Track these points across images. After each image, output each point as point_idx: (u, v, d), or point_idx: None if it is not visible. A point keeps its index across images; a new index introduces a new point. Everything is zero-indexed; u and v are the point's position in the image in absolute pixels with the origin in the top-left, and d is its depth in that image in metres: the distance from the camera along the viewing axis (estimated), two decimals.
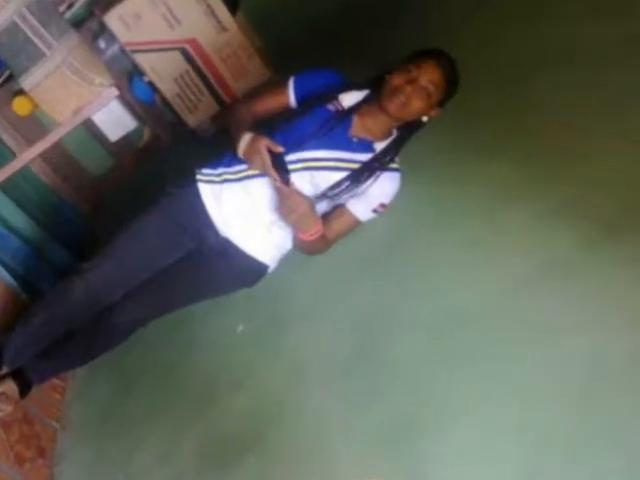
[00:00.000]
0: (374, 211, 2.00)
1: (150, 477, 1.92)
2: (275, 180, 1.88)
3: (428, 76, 1.87)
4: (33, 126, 2.49)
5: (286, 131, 1.98)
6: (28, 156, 2.39)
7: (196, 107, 2.46)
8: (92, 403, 2.26)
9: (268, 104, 2.09)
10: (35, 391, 2.07)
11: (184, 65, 2.37)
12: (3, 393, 1.99)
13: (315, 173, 1.94)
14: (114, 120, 2.48)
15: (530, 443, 1.41)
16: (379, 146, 1.98)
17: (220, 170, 2.01)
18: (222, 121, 2.44)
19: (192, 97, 2.44)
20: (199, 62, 2.37)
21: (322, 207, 2.01)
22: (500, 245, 1.78)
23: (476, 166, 1.97)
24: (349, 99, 2.00)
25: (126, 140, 2.72)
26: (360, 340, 1.85)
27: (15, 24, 2.14)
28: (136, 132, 2.66)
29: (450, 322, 1.71)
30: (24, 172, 2.67)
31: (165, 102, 2.47)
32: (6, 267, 2.39)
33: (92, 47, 2.38)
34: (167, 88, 2.42)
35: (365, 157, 1.96)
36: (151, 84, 2.42)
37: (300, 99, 2.05)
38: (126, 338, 2.07)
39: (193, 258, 2.03)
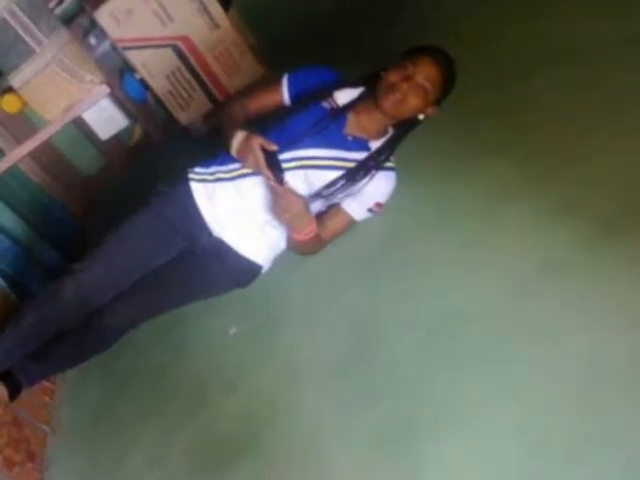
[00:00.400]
0: (369, 210, 1.97)
1: None
2: (269, 179, 1.85)
3: (425, 73, 1.85)
4: (22, 124, 2.46)
5: (280, 129, 1.96)
6: (17, 155, 2.37)
7: (188, 105, 2.44)
8: (82, 406, 2.23)
9: (262, 102, 2.07)
10: (24, 394, 2.04)
11: (176, 62, 2.34)
12: None
13: (309, 172, 1.92)
14: (105, 118, 2.45)
15: (530, 443, 1.40)
16: (374, 144, 1.96)
17: (213, 169, 1.98)
18: (215, 119, 2.41)
19: (184, 95, 2.42)
20: (191, 59, 2.34)
21: (317, 206, 1.99)
22: (500, 245, 1.77)
23: (475, 165, 1.96)
24: (344, 97, 1.98)
25: (117, 139, 2.69)
26: (356, 340, 1.83)
27: (4, 21, 2.12)
28: (127, 130, 2.64)
29: (449, 322, 1.69)
30: (13, 171, 2.63)
31: (157, 100, 2.45)
32: None
33: (82, 44, 2.35)
34: (159, 85, 2.39)
35: (360, 156, 1.93)
36: (142, 81, 2.40)
37: (294, 97, 2.03)
38: (117, 340, 2.04)
39: (185, 258, 2.01)
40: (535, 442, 1.39)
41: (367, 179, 1.93)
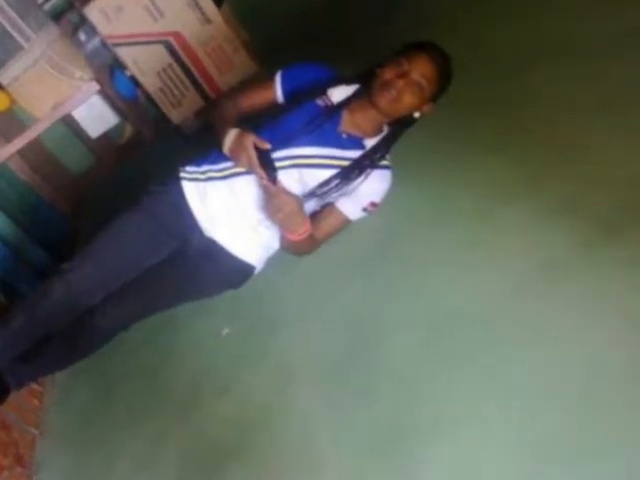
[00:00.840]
0: (364, 210, 1.95)
1: None
2: (262, 178, 1.83)
3: (420, 70, 1.82)
4: (11, 122, 2.43)
5: (273, 127, 1.93)
6: (5, 153, 2.34)
7: (180, 102, 2.41)
8: (72, 409, 2.20)
9: (254, 99, 2.04)
10: (13, 397, 2.01)
11: (167, 59, 2.32)
12: None
13: (303, 171, 1.89)
14: (95, 116, 2.42)
15: (530, 443, 1.38)
16: (369, 143, 1.93)
17: (205, 168, 1.95)
18: (207, 117, 2.39)
19: (176, 92, 2.39)
20: (183, 56, 2.32)
21: (310, 206, 1.96)
22: (499, 245, 1.75)
23: (472, 164, 1.94)
24: (338, 94, 1.95)
25: (107, 137, 2.67)
26: (352, 340, 1.81)
27: None
28: (117, 128, 2.61)
29: (447, 322, 1.67)
30: (1, 170, 2.62)
31: (148, 97, 2.43)
32: None
33: (72, 40, 2.33)
34: (150, 83, 2.37)
35: (355, 154, 1.91)
36: (133, 78, 2.38)
37: (288, 94, 2.00)
38: (107, 342, 2.01)
39: (177, 259, 1.98)
40: (535, 443, 1.38)
41: (362, 178, 1.90)
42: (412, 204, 2.00)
